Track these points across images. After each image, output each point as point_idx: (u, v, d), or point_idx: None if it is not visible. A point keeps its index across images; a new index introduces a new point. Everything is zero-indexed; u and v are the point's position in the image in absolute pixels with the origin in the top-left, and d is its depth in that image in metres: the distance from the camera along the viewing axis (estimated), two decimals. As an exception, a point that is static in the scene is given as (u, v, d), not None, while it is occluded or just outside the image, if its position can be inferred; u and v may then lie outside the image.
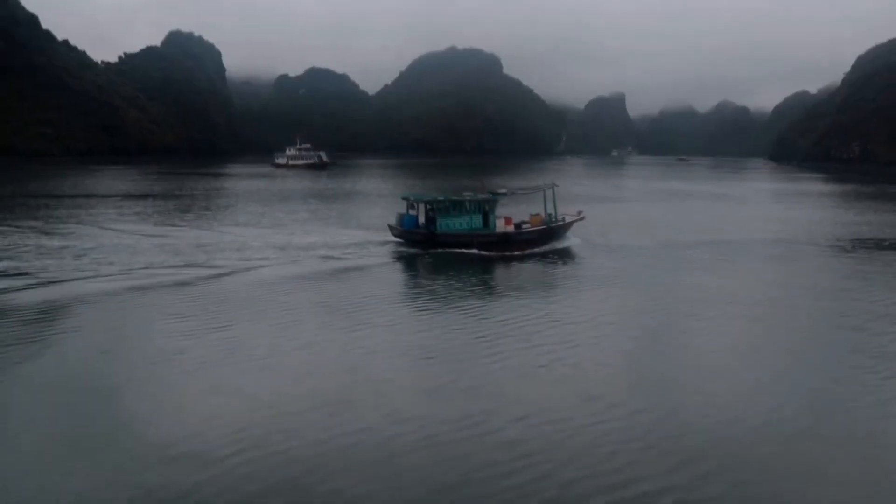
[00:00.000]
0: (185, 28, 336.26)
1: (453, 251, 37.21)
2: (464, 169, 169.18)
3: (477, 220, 39.14)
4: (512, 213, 41.88)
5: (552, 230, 40.91)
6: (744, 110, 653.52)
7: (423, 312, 24.97)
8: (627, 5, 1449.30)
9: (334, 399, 16.25)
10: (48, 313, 23.92)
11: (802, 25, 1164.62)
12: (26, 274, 29.70)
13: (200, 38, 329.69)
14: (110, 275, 29.97)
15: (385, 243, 39.93)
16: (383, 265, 34.74)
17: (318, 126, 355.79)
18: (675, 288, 30.18)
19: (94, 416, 15.22)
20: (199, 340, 20.72)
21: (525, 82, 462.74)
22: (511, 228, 39.57)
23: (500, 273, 33.52)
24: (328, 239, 41.69)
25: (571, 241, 41.48)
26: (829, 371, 18.89)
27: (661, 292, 28.98)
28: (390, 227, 41.16)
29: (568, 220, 42.23)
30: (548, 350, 20.06)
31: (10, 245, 37.15)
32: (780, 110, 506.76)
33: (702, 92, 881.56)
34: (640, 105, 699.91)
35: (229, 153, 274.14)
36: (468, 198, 40.28)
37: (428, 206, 39.79)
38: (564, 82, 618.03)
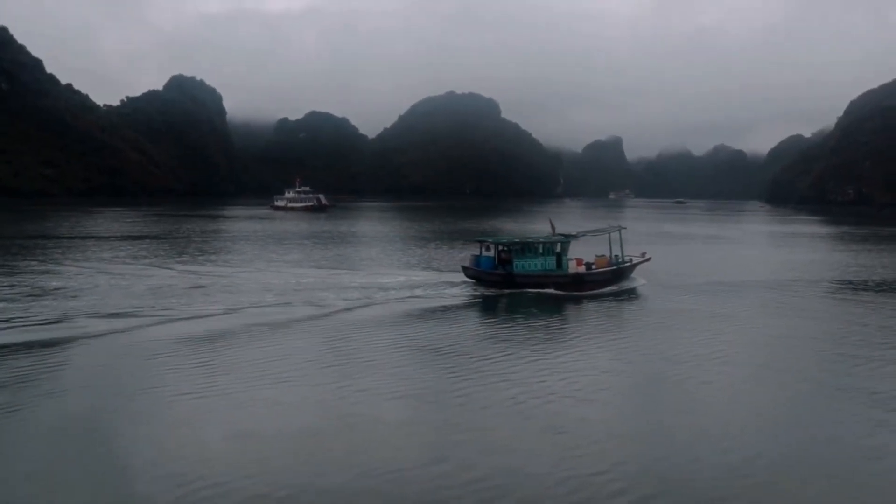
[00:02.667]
0: (188, 72, 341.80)
1: (529, 291, 38.32)
2: (463, 212, 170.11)
3: (550, 262, 40.43)
4: (580, 254, 42.60)
5: (621, 271, 42.31)
6: (739, 153, 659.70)
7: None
8: (624, 51, 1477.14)
9: (329, 436, 16.22)
10: (41, 353, 23.75)
11: (796, 71, 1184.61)
12: (19, 315, 29.61)
13: (202, 82, 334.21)
14: (104, 315, 29.94)
15: (456, 284, 40.38)
16: (468, 305, 35.47)
17: (318, 169, 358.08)
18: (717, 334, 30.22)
19: (76, 452, 15.22)
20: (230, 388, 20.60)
21: (523, 126, 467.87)
22: (582, 269, 40.80)
23: (574, 313, 34.62)
24: (390, 280, 41.87)
25: (637, 281, 42.79)
26: (827, 415, 18.84)
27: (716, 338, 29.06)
28: (464, 268, 41.96)
29: (635, 261, 43.72)
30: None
31: (5, 285, 37.13)
32: (775, 153, 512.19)
33: (698, 135, 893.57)
34: (638, 148, 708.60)
35: (229, 195, 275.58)
36: (542, 240, 41.65)
37: (503, 248, 40.67)
38: (562, 126, 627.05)
